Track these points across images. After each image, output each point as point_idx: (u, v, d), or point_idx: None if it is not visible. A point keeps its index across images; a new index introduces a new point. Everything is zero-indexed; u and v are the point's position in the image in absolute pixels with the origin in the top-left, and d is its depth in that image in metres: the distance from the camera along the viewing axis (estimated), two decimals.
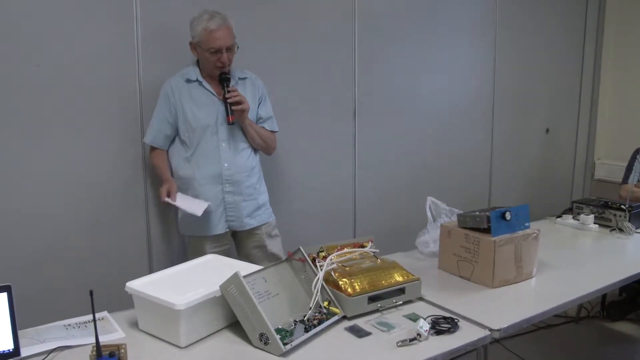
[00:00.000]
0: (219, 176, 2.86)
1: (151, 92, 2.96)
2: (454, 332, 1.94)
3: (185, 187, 2.87)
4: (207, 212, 2.79)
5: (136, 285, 1.90)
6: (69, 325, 1.96)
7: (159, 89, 2.89)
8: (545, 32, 4.75)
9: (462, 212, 2.58)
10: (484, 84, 4.45)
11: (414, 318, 2.01)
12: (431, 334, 1.90)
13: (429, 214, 2.79)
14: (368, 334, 1.92)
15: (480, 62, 4.41)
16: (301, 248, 2.08)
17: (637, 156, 3.97)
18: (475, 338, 1.92)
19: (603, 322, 4.08)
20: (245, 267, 2.04)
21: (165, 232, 3.15)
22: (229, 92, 2.77)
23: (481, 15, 4.34)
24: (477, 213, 2.44)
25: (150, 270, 3.04)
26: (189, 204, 2.77)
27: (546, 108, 4.92)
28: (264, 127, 2.99)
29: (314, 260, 2.11)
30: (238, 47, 2.82)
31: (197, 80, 2.84)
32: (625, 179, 3.99)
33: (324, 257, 2.17)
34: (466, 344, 1.89)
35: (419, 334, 1.86)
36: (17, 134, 2.69)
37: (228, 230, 2.94)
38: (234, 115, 2.79)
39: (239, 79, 2.92)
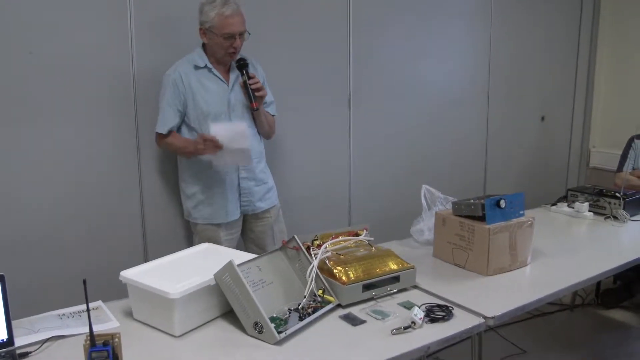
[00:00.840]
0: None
1: (146, 79, 2.96)
2: (448, 320, 1.94)
3: (200, 176, 2.90)
4: (224, 199, 2.89)
5: (130, 274, 1.90)
6: (63, 314, 1.96)
7: (153, 75, 2.88)
8: (541, 20, 4.74)
9: (457, 200, 2.58)
10: (479, 71, 4.44)
11: (408, 306, 2.01)
12: (425, 322, 1.90)
13: (423, 202, 2.78)
14: (362, 322, 1.92)
15: (476, 49, 4.40)
16: (296, 236, 2.08)
17: (632, 144, 3.97)
18: (469, 326, 1.92)
19: (597, 309, 4.10)
20: (239, 256, 2.03)
21: (161, 221, 3.14)
22: (250, 78, 2.78)
23: (476, 3, 4.33)
24: (472, 201, 2.44)
25: (145, 260, 3.03)
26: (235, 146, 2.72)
27: (541, 96, 4.92)
28: (268, 112, 3.02)
29: (308, 248, 2.11)
30: (249, 34, 2.81)
31: (205, 66, 2.82)
32: (620, 167, 3.99)
33: (319, 246, 2.17)
34: (460, 332, 1.89)
35: (413, 322, 1.86)
36: (9, 122, 2.68)
37: (241, 215, 2.99)
38: (257, 101, 2.80)
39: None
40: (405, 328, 1.85)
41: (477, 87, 4.46)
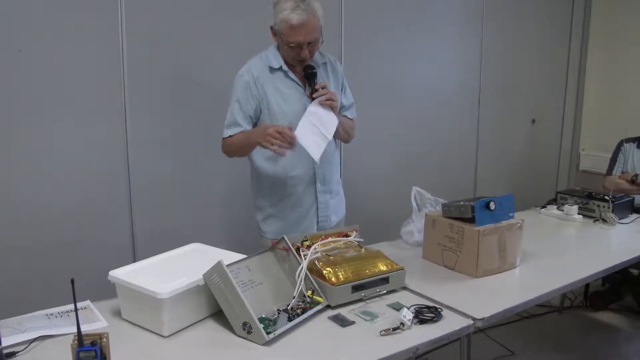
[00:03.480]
0: (312, 175, 2.66)
1: (136, 77, 2.95)
2: (437, 321, 1.94)
3: (273, 188, 2.66)
4: (299, 214, 2.67)
5: (119, 274, 1.89)
6: (51, 314, 1.94)
7: (143, 72, 2.87)
8: (532, 23, 4.76)
9: (447, 201, 2.58)
10: (470, 74, 4.46)
11: (397, 307, 2.01)
12: (414, 323, 1.90)
13: (414, 203, 2.79)
14: (351, 323, 1.92)
15: (467, 52, 4.41)
16: (285, 237, 2.08)
17: (621, 147, 3.99)
18: (458, 327, 1.92)
19: (586, 312, 4.12)
20: (228, 256, 2.03)
21: (150, 220, 3.14)
22: (316, 90, 2.45)
23: (468, 6, 4.34)
24: (462, 203, 2.44)
25: (134, 260, 3.02)
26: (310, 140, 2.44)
27: (532, 99, 4.94)
28: (345, 116, 2.75)
29: (298, 249, 2.11)
30: (322, 41, 2.51)
31: (280, 68, 2.53)
32: (610, 170, 4.01)
33: (308, 247, 2.16)
34: (449, 333, 1.89)
35: (402, 323, 1.86)
36: None
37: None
38: None
39: (321, 64, 2.64)
40: (394, 329, 1.85)
41: (468, 89, 4.47)
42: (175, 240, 3.08)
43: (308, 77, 2.52)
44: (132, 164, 3.04)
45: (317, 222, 2.74)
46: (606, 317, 4.04)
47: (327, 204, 2.74)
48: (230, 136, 2.53)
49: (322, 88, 2.46)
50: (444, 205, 2.53)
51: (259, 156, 2.63)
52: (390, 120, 4.03)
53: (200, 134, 3.24)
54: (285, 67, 2.53)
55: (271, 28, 2.49)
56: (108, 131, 2.96)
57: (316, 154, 2.45)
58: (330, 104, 2.45)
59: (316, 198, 2.70)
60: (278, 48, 2.56)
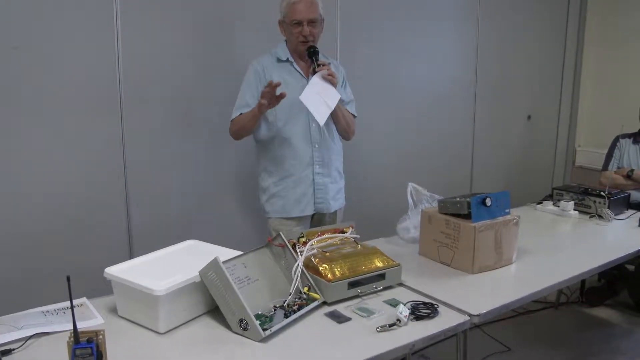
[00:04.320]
0: (310, 157, 2.86)
1: (132, 74, 2.95)
2: (433, 317, 1.95)
3: (275, 167, 2.88)
4: (297, 193, 2.86)
5: (115, 271, 1.89)
6: (47, 311, 1.94)
7: (139, 69, 2.87)
8: (527, 20, 4.76)
9: (443, 198, 2.58)
10: (466, 70, 4.46)
11: (393, 303, 2.01)
12: (411, 320, 1.91)
13: (410, 200, 2.79)
14: (348, 319, 1.92)
15: (463, 48, 4.41)
16: (281, 233, 2.08)
17: (617, 143, 4.00)
18: (454, 323, 1.93)
19: (582, 307, 4.13)
20: (225, 253, 2.03)
21: (146, 217, 3.13)
22: (319, 65, 2.71)
23: (463, 3, 4.34)
24: (458, 199, 2.44)
25: (130, 256, 3.02)
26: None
27: (528, 95, 4.95)
28: (347, 109, 2.96)
29: (294, 245, 2.11)
30: (323, 22, 2.81)
31: (287, 60, 2.81)
32: (606, 166, 4.02)
33: (305, 243, 2.16)
34: (446, 329, 1.89)
35: (398, 320, 1.86)
36: None
37: (315, 212, 2.96)
38: None
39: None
40: (391, 325, 1.85)
41: (464, 85, 4.48)
42: (171, 237, 3.10)
43: (310, 55, 2.73)
44: (128, 161, 3.03)
45: (315, 203, 2.92)
46: (602, 312, 4.05)
47: (325, 187, 2.93)
48: (239, 114, 2.76)
49: (325, 65, 2.70)
50: (440, 202, 2.53)
51: (264, 133, 2.82)
52: (386, 116, 4.03)
53: (196, 132, 3.24)
54: (291, 59, 2.81)
55: (279, 23, 2.79)
56: (104, 128, 2.95)
57: (320, 118, 2.66)
58: (330, 79, 2.67)
59: (313, 179, 2.89)
60: (286, 42, 2.83)
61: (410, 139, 4.19)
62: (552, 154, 5.31)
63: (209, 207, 3.33)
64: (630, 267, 3.87)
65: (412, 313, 1.93)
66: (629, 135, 4.01)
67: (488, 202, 2.39)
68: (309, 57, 2.76)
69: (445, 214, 2.48)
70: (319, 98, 2.66)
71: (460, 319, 1.96)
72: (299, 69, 2.82)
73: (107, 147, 2.98)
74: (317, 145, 2.86)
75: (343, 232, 2.34)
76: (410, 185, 2.80)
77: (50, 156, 2.82)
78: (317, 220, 3.01)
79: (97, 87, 2.90)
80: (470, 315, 1.98)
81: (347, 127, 2.95)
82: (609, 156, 4.03)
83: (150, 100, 3.07)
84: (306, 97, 2.63)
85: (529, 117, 5.01)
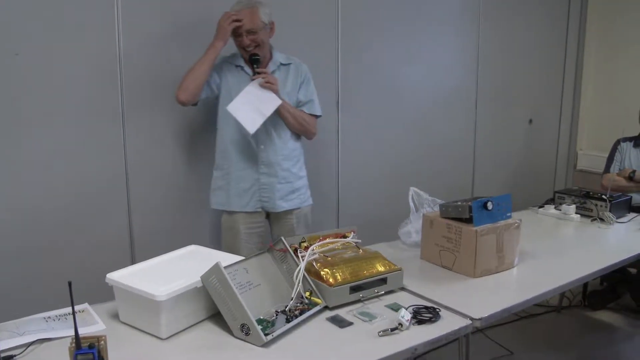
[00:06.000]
0: (255, 157, 2.94)
1: (133, 77, 2.95)
2: (435, 321, 1.94)
3: (222, 163, 2.99)
4: (241, 189, 2.95)
5: (117, 276, 1.89)
6: (49, 317, 1.94)
7: (140, 75, 2.88)
8: (528, 23, 4.76)
9: (444, 202, 2.58)
10: (467, 74, 4.45)
11: (395, 308, 2.02)
12: (413, 324, 1.91)
13: (411, 204, 2.79)
14: (350, 324, 1.92)
15: (464, 52, 4.41)
16: (283, 238, 2.08)
17: (618, 147, 4.00)
18: (456, 327, 1.93)
19: (584, 311, 4.12)
20: (226, 258, 2.03)
21: (148, 222, 3.13)
22: (257, 72, 2.81)
23: (465, 7, 4.34)
24: (459, 203, 2.44)
25: (132, 262, 3.02)
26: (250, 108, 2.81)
27: (529, 99, 4.94)
28: (302, 111, 3.01)
29: (295, 250, 2.11)
30: (270, 30, 2.90)
31: (240, 65, 2.92)
32: (607, 169, 4.02)
33: (306, 248, 2.16)
34: (448, 334, 1.89)
35: (400, 324, 1.86)
36: None
37: (261, 210, 3.01)
38: None
39: (281, 64, 2.98)
40: (393, 330, 1.85)
41: (465, 89, 4.47)
42: (173, 243, 3.10)
43: (252, 62, 2.85)
44: (130, 165, 3.03)
45: (261, 201, 2.99)
46: (605, 316, 4.05)
47: (271, 186, 2.98)
48: None
49: (263, 72, 2.81)
50: (441, 206, 2.53)
51: (219, 135, 2.99)
52: (387, 120, 4.02)
53: (198, 135, 3.24)
54: (242, 64, 2.92)
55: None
56: (106, 133, 2.95)
57: (250, 127, 2.78)
58: (268, 86, 2.79)
59: (258, 179, 2.96)
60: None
61: (412, 143, 4.19)
62: (553, 158, 5.30)
63: (212, 213, 3.32)
64: (633, 270, 3.87)
65: (414, 317, 1.93)
66: (629, 139, 4.00)
67: (489, 206, 2.39)
68: (250, 63, 2.87)
69: (447, 218, 2.48)
70: (250, 107, 2.78)
71: (462, 323, 1.95)
72: (249, 72, 2.90)
73: (109, 153, 2.98)
74: (263, 146, 2.94)
75: (345, 236, 2.34)
76: (412, 190, 2.80)
77: (52, 161, 2.82)
78: (272, 220, 3.09)
79: (98, 92, 2.90)
80: (472, 319, 1.98)
81: (301, 127, 3.01)
82: (610, 160, 4.02)
83: (152, 105, 3.07)
84: (235, 108, 2.77)
85: (530, 120, 5.00)
